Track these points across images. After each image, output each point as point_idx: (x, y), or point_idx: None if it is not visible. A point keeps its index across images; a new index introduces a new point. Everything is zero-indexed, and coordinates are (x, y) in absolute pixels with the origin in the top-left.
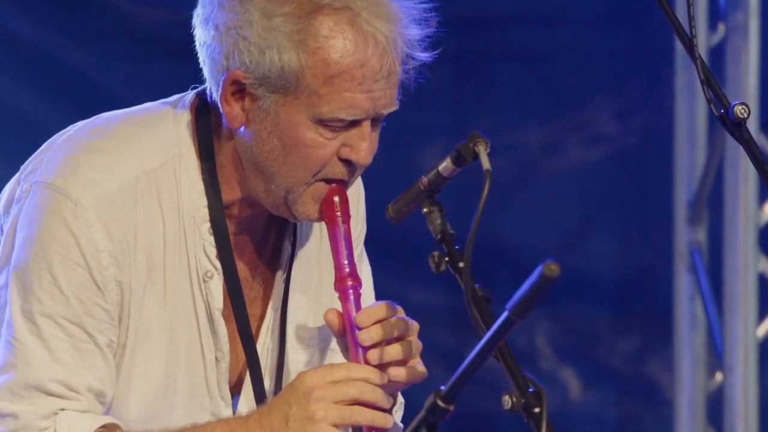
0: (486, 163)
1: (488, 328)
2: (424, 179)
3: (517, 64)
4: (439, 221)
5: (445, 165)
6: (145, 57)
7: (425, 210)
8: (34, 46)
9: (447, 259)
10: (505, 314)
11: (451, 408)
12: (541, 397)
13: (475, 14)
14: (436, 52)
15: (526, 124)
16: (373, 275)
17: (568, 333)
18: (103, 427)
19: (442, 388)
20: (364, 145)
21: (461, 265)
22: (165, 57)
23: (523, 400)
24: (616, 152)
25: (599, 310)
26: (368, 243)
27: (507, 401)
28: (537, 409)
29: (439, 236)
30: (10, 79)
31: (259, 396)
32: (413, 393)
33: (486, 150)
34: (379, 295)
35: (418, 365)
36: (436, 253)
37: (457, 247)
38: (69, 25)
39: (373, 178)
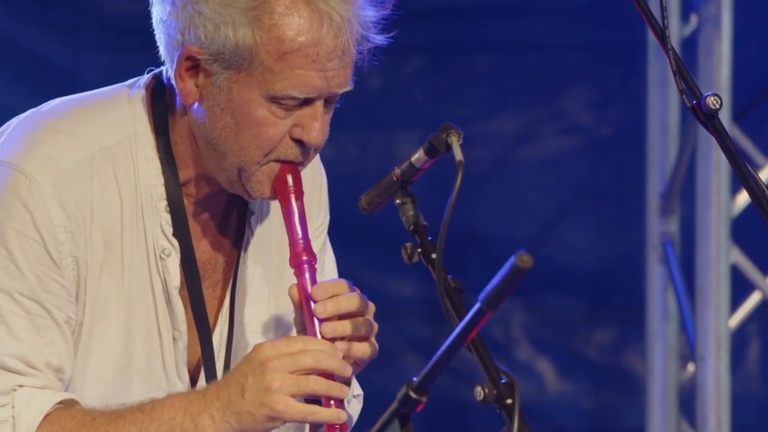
0: (459, 155)
1: (461, 320)
2: (397, 170)
3: (493, 55)
4: (411, 212)
5: (418, 156)
6: (119, 47)
7: (398, 201)
8: (6, 36)
9: (420, 250)
10: (477, 305)
11: (424, 399)
12: (513, 388)
13: (451, 4)
14: (392, 35)
15: (501, 114)
16: (347, 266)
17: (543, 324)
18: (61, 403)
19: (415, 379)
20: (316, 125)
21: (434, 256)
22: (138, 47)
23: (495, 392)
24: (590, 143)
25: (574, 301)
26: (343, 234)
27: (479, 392)
28: (509, 401)
29: (411, 227)
30: None
31: (211, 378)
32: (385, 383)
33: (459, 141)
34: (355, 286)
35: (372, 344)
36: (408, 245)
37: (430, 238)
38: (42, 15)
39: (348, 169)
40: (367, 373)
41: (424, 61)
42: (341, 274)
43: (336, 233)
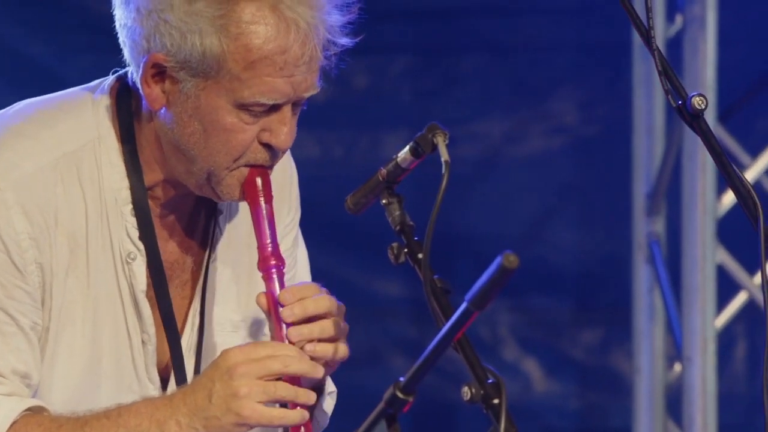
0: (444, 155)
1: (448, 320)
2: (383, 170)
3: (480, 55)
4: (398, 213)
5: (404, 156)
6: (105, 48)
7: (384, 201)
8: None
9: (406, 250)
10: (464, 305)
11: (411, 399)
12: (500, 389)
13: (438, 5)
14: (358, 39)
15: (488, 114)
16: (333, 267)
17: (530, 324)
18: (29, 409)
19: (402, 379)
20: (284, 130)
21: (420, 256)
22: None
23: (482, 392)
24: (577, 143)
25: (561, 301)
26: (329, 234)
27: (466, 392)
28: (496, 401)
29: (398, 228)
30: None
31: (180, 380)
32: (372, 383)
33: (445, 141)
34: (342, 286)
35: (341, 345)
36: (394, 245)
37: (416, 238)
38: (28, 16)
39: (334, 169)
40: (353, 373)
41: (411, 61)
42: (327, 275)
43: (322, 234)
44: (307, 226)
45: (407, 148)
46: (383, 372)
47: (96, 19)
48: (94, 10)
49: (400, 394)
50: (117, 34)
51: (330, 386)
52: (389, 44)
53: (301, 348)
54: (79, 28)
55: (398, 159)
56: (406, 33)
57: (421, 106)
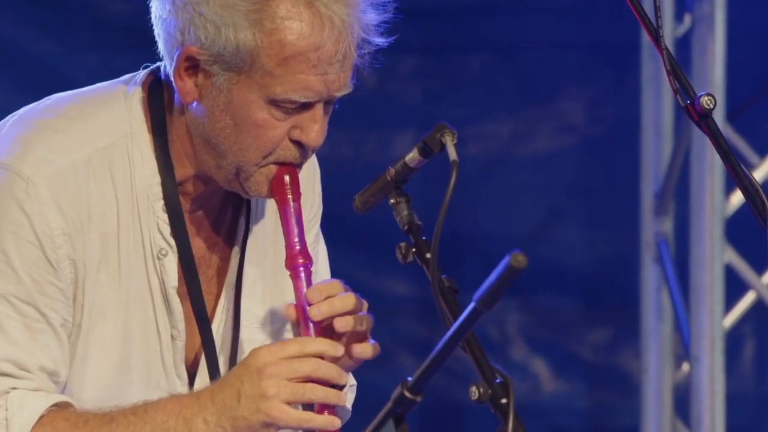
0: (453, 154)
1: (456, 319)
2: (391, 170)
3: (487, 55)
4: (405, 212)
5: (412, 156)
6: (112, 47)
7: (392, 201)
8: (1, 36)
9: (414, 250)
10: (472, 305)
11: (418, 399)
12: (508, 388)
13: (445, 4)
14: (393, 38)
15: (495, 114)
16: (342, 266)
17: (538, 323)
18: (55, 405)
19: (410, 378)
20: (315, 128)
21: (428, 256)
22: (132, 47)
23: (490, 391)
24: (584, 143)
25: (569, 301)
26: (337, 234)
27: (474, 392)
28: (504, 400)
29: (406, 227)
30: None
31: (213, 376)
32: (380, 383)
33: (453, 141)
34: (350, 286)
35: (369, 341)
36: (402, 245)
37: (424, 237)
38: (35, 15)
39: (343, 168)
40: (361, 373)
41: (419, 60)
42: (336, 275)
43: (330, 233)
44: None
45: (415, 147)
46: (391, 371)
47: (105, 18)
48: (102, 9)
49: (408, 394)
50: (125, 33)
51: (351, 379)
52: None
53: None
54: (87, 27)
55: (406, 159)
56: (413, 33)
57: (428, 105)
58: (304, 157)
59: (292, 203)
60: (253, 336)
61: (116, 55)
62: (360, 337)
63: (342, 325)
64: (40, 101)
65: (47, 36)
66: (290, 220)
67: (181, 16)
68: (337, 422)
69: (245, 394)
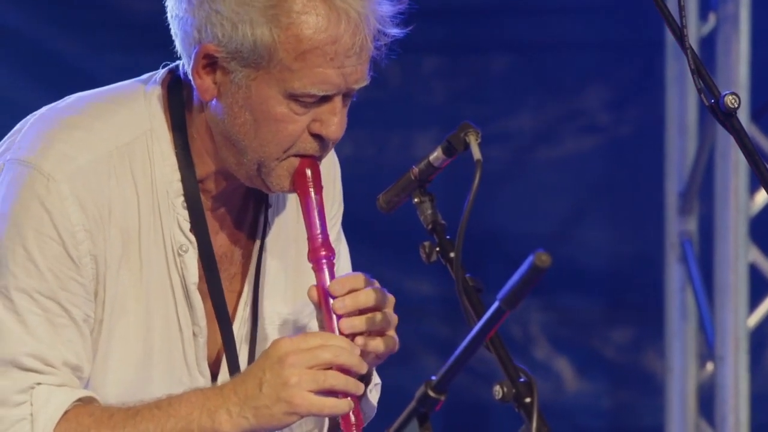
0: (477, 153)
1: (479, 319)
2: (415, 169)
3: (510, 54)
4: (429, 211)
5: (436, 155)
6: (135, 46)
7: (416, 200)
8: (23, 35)
9: (438, 249)
10: (495, 304)
11: (442, 398)
12: (532, 387)
13: (468, 4)
14: (408, 28)
15: (518, 113)
16: (365, 265)
17: (561, 323)
18: (79, 400)
19: (433, 378)
20: (334, 120)
21: (452, 255)
22: (154, 46)
23: (514, 391)
24: (608, 142)
25: (593, 300)
26: (361, 233)
27: (498, 391)
28: (528, 399)
29: (429, 226)
30: None
31: (233, 371)
32: (404, 382)
33: (477, 140)
34: None
35: (391, 337)
36: (426, 244)
37: (448, 237)
38: (58, 14)
39: (366, 168)
40: (385, 372)
41: (442, 60)
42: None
43: (354, 232)
44: None
45: (439, 147)
46: (415, 371)
47: (127, 16)
48: (125, 8)
49: (431, 393)
50: (148, 32)
51: (375, 378)
52: (420, 43)
53: (352, 340)
54: (109, 26)
55: (430, 158)
56: (436, 33)
57: (452, 105)
58: (324, 150)
59: (314, 196)
60: (276, 333)
61: (139, 54)
62: (380, 333)
63: (348, 326)
64: (61, 100)
65: (70, 35)
66: (312, 213)
67: (198, 14)
68: (357, 408)
69: (267, 384)
